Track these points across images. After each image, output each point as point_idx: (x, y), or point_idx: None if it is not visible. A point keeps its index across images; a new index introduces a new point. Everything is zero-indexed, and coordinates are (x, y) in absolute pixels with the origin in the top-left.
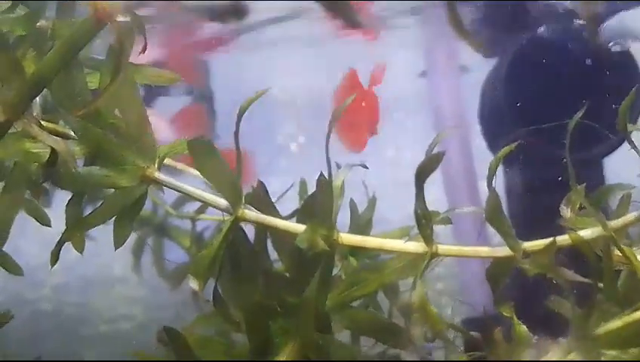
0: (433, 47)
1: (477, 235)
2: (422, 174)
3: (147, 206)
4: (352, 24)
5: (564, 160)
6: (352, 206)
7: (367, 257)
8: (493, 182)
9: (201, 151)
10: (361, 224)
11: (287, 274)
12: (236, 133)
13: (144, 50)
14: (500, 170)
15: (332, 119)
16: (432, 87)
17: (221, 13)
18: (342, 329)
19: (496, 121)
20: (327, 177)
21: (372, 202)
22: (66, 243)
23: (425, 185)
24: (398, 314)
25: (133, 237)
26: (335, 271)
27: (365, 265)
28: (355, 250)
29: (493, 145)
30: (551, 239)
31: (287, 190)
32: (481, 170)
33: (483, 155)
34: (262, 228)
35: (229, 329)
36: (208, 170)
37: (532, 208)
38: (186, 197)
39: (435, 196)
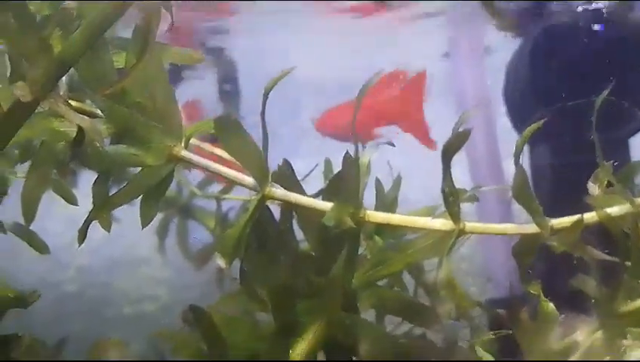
0: (456, 28)
1: (502, 214)
2: (448, 152)
3: (172, 187)
4: None
5: (590, 138)
6: (378, 185)
7: (393, 237)
8: (520, 160)
9: (227, 129)
10: (387, 202)
11: (313, 254)
12: (262, 113)
13: (170, 29)
14: (526, 149)
15: (357, 102)
16: (455, 69)
17: None
18: (368, 308)
19: (522, 101)
20: (352, 156)
21: (397, 181)
22: (92, 223)
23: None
24: (423, 293)
25: (157, 218)
26: (360, 251)
27: (391, 244)
28: (381, 230)
29: (518, 124)
30: (578, 216)
31: (312, 170)
32: (505, 151)
33: (507, 136)
34: (288, 208)
35: (254, 308)
36: (235, 148)
37: (558, 187)
38: (211, 177)
39: (460, 176)
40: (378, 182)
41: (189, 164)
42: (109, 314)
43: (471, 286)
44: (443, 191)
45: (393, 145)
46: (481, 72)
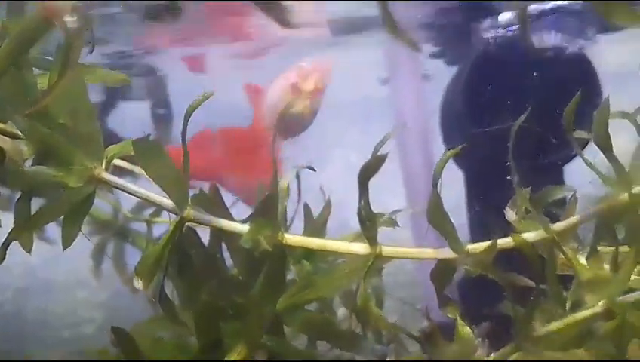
0: (395, 54)
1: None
2: (365, 174)
3: (108, 209)
4: (282, 23)
5: (519, 164)
6: (307, 210)
7: (323, 262)
8: (439, 184)
9: (146, 151)
10: (316, 227)
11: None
12: (183, 133)
13: (92, 49)
14: (460, 174)
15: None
16: (394, 94)
17: (157, 13)
18: (295, 332)
19: (455, 126)
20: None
21: (327, 206)
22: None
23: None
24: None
25: (94, 242)
26: (292, 276)
27: (318, 269)
28: (311, 254)
29: (448, 146)
30: (491, 241)
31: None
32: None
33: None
34: (217, 231)
35: (177, 330)
36: (153, 170)
37: (489, 211)
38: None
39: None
40: (307, 207)
41: (110, 186)
42: (46, 336)
43: (408, 315)
44: (359, 215)
45: (314, 169)
46: (419, 94)
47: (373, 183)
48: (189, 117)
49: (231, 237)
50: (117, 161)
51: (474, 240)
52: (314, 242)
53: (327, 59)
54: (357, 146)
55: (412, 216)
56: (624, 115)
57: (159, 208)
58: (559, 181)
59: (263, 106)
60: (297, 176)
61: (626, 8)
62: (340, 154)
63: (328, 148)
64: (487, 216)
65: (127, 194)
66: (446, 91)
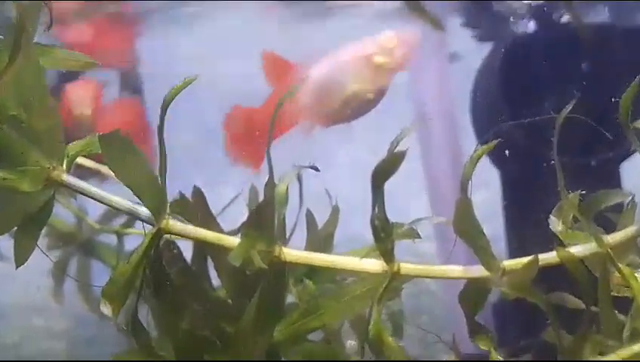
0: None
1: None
2: (379, 177)
3: (70, 219)
4: None
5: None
6: (309, 219)
7: (330, 282)
8: (469, 187)
9: (115, 149)
10: (320, 240)
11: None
12: (160, 128)
13: (49, 28)
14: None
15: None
16: (414, 78)
17: None
18: None
19: (489, 117)
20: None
21: (334, 215)
22: None
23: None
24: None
25: (54, 257)
26: (292, 299)
27: (324, 290)
28: (315, 272)
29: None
30: (532, 257)
31: (232, 199)
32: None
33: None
34: (201, 244)
35: None
36: (125, 172)
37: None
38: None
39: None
40: (310, 215)
41: (72, 190)
42: None
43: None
44: (373, 225)
45: (317, 169)
46: (444, 79)
47: (389, 187)
48: (167, 107)
49: (218, 251)
50: (80, 161)
51: (512, 256)
52: (318, 258)
53: (413, 32)
54: (369, 143)
55: (437, 226)
56: None
57: (132, 217)
58: (615, 183)
59: (286, 82)
60: (299, 179)
61: None
62: (349, 152)
63: (334, 145)
64: (527, 225)
65: (93, 200)
66: (478, 74)
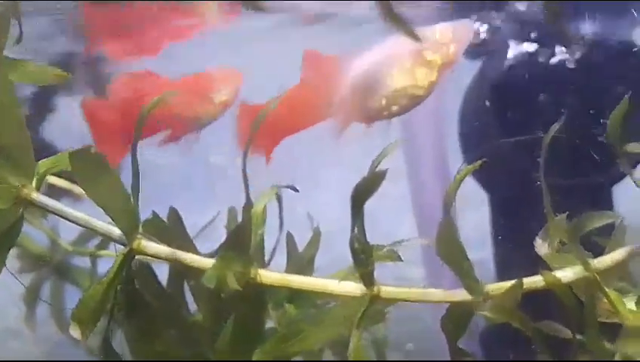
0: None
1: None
2: (359, 197)
3: (42, 240)
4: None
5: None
6: (289, 241)
7: (311, 305)
8: (453, 209)
9: (86, 166)
10: (301, 263)
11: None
12: (134, 145)
13: (19, 41)
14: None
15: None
16: None
17: None
18: None
19: (477, 137)
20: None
21: (315, 237)
22: None
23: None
24: None
25: (26, 281)
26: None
27: (305, 314)
28: (294, 296)
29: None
30: (516, 281)
31: (212, 220)
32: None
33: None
34: (177, 267)
35: None
36: (96, 191)
37: (517, 243)
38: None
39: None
40: (290, 237)
41: (43, 210)
42: None
43: None
44: (352, 246)
45: (296, 189)
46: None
47: (375, 209)
48: (142, 125)
49: (194, 274)
50: (52, 179)
51: (500, 279)
52: (295, 280)
53: (467, 26)
54: (356, 165)
55: (425, 250)
56: None
57: (106, 238)
58: (607, 207)
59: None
60: (279, 200)
61: None
62: (335, 175)
63: (320, 167)
64: (515, 248)
65: (65, 220)
66: (467, 93)
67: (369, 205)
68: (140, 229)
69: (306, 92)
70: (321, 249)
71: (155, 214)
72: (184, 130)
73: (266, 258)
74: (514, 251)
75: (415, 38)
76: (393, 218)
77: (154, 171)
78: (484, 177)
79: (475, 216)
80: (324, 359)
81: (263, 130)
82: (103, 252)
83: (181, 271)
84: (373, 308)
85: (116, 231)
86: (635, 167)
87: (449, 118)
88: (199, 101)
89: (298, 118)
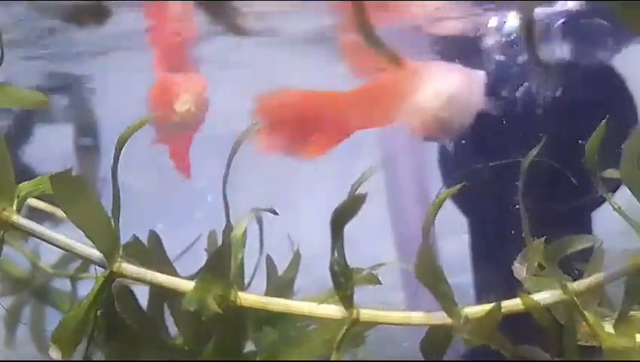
0: None
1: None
2: (339, 220)
3: (23, 264)
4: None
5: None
6: (269, 264)
7: (291, 328)
8: (432, 232)
9: (66, 189)
10: (281, 286)
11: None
12: (114, 168)
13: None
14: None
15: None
16: None
17: (79, 15)
18: None
19: (456, 160)
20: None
21: (295, 260)
22: None
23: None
24: None
25: (7, 304)
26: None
27: (284, 337)
28: (274, 319)
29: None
30: (494, 304)
31: (193, 243)
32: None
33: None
34: (157, 290)
35: None
36: (76, 212)
37: (496, 266)
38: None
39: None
40: (269, 260)
41: (23, 232)
42: None
43: None
44: (332, 269)
45: (276, 213)
46: None
47: (355, 234)
48: (122, 147)
49: (175, 297)
50: (33, 202)
51: (480, 303)
52: (275, 303)
53: None
54: (335, 189)
55: (405, 274)
56: None
57: (87, 262)
58: (586, 231)
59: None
60: (259, 223)
61: None
62: (316, 199)
63: (301, 192)
64: (493, 272)
65: (45, 243)
66: None
67: (349, 229)
68: (121, 252)
69: (381, 90)
70: (301, 272)
71: (135, 237)
72: None
73: (246, 281)
74: (493, 275)
75: (398, 63)
76: (373, 244)
77: (132, 195)
78: (463, 202)
79: (455, 241)
80: None
81: (320, 124)
82: (83, 274)
83: (161, 294)
84: (353, 330)
85: (96, 254)
86: (613, 191)
87: (428, 143)
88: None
89: (368, 116)
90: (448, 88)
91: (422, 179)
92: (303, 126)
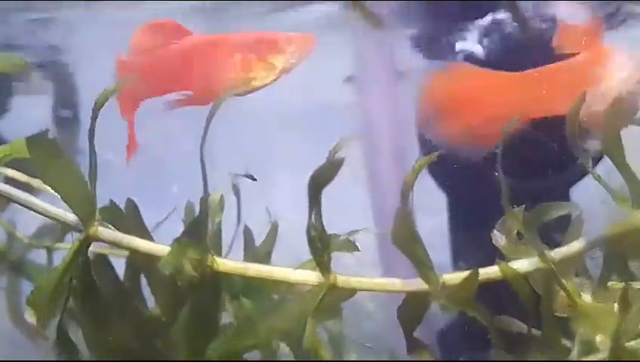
0: (363, 48)
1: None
2: (317, 185)
3: (1, 237)
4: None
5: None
6: (247, 234)
7: (267, 299)
8: (410, 198)
9: (43, 152)
10: (258, 255)
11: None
12: (91, 132)
13: None
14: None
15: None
16: (362, 97)
17: None
18: None
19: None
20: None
21: (272, 231)
22: None
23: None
24: None
25: None
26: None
27: (260, 307)
28: (250, 290)
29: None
30: (471, 271)
31: (168, 214)
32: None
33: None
34: (134, 259)
35: None
36: (53, 176)
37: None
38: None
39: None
40: (247, 230)
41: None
42: None
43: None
44: (309, 235)
45: (254, 178)
46: (392, 100)
47: (333, 209)
48: (99, 109)
49: (151, 263)
50: (8, 173)
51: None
52: (252, 269)
53: None
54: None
55: (381, 248)
56: None
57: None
58: None
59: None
60: (237, 194)
61: None
62: (290, 177)
63: (275, 169)
64: (472, 245)
65: (24, 214)
66: None
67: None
68: (97, 216)
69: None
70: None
71: (112, 202)
72: (208, 96)
73: (224, 251)
74: (472, 251)
75: (379, 25)
76: (352, 217)
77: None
78: (441, 175)
79: (433, 222)
80: (280, 354)
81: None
82: (60, 244)
83: (138, 264)
84: (330, 297)
85: (73, 218)
86: (595, 164)
87: (409, 118)
88: (253, 62)
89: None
90: (635, 75)
91: (401, 151)
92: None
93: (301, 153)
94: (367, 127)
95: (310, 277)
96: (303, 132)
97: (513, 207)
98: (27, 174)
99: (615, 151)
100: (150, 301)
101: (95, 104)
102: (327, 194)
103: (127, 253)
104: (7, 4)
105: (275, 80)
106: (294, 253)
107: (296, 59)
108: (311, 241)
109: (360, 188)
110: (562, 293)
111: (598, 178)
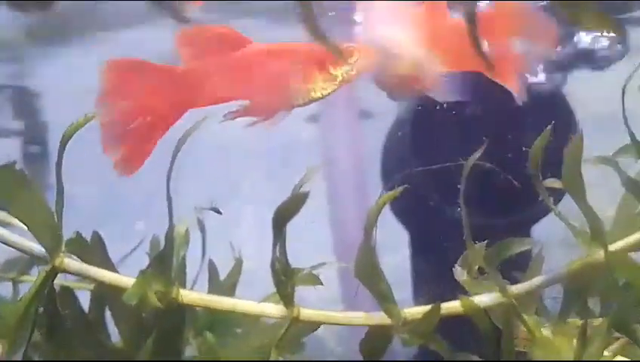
0: None
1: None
2: (281, 218)
3: None
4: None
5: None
6: (211, 267)
7: (231, 333)
8: (373, 233)
9: (9, 183)
10: (222, 289)
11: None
12: (58, 164)
13: None
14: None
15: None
16: (324, 135)
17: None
18: None
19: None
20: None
21: (237, 266)
22: None
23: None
24: None
25: None
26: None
27: (224, 342)
28: (214, 324)
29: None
30: (433, 305)
31: (135, 247)
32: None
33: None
34: (99, 290)
35: None
36: (19, 207)
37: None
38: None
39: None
40: (211, 264)
41: None
42: None
43: None
44: (273, 268)
45: (219, 212)
46: (354, 136)
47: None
48: (66, 142)
49: (116, 295)
50: None
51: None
52: (215, 301)
53: None
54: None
55: (342, 275)
56: (604, 160)
57: (30, 261)
58: None
59: None
60: (202, 229)
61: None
62: (254, 212)
63: (240, 205)
64: (433, 280)
65: None
66: (389, 133)
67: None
68: (63, 248)
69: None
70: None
71: (78, 233)
72: (271, 107)
73: (189, 285)
74: (433, 286)
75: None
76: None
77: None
78: (404, 211)
79: (394, 258)
80: None
81: None
82: (25, 277)
83: (103, 296)
84: (293, 330)
85: (39, 249)
86: (556, 202)
87: (370, 158)
88: (314, 73)
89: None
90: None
91: (362, 184)
92: None
93: (265, 188)
94: (329, 162)
95: (274, 310)
96: (267, 167)
97: (475, 243)
98: None
99: (575, 187)
100: (114, 334)
101: (63, 137)
102: (291, 227)
103: (92, 285)
104: None
105: (334, 91)
106: (259, 286)
107: (357, 71)
108: (275, 274)
109: (323, 223)
110: (523, 328)
111: (557, 213)
